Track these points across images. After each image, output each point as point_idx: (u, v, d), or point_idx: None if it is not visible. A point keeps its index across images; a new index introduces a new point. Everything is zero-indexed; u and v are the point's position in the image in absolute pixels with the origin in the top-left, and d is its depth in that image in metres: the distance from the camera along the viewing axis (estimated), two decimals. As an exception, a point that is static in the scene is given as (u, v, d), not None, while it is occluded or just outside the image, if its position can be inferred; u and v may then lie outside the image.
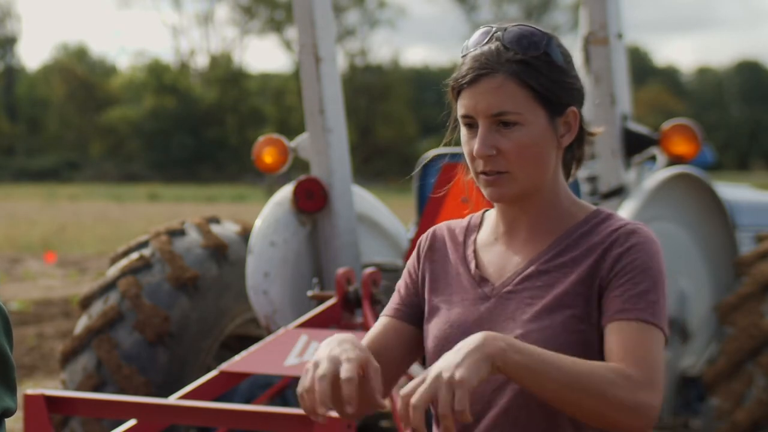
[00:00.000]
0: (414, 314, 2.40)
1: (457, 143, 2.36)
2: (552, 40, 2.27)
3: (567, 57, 2.29)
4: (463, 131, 2.29)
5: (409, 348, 2.39)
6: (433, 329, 2.35)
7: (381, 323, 2.41)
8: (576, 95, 2.29)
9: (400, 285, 2.46)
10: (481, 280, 2.32)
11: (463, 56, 2.29)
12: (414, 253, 2.45)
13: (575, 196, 2.36)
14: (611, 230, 2.25)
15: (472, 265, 2.34)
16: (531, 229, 2.31)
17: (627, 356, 2.14)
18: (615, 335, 2.17)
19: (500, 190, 2.26)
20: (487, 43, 2.27)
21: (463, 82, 2.25)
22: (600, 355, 2.20)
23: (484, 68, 2.24)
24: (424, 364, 2.39)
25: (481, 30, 2.31)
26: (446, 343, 2.29)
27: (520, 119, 2.23)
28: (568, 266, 2.24)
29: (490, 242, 2.36)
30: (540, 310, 2.23)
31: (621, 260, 2.21)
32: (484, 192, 2.28)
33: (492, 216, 2.39)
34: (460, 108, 2.27)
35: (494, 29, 2.29)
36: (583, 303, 2.21)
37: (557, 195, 2.31)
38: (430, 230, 2.45)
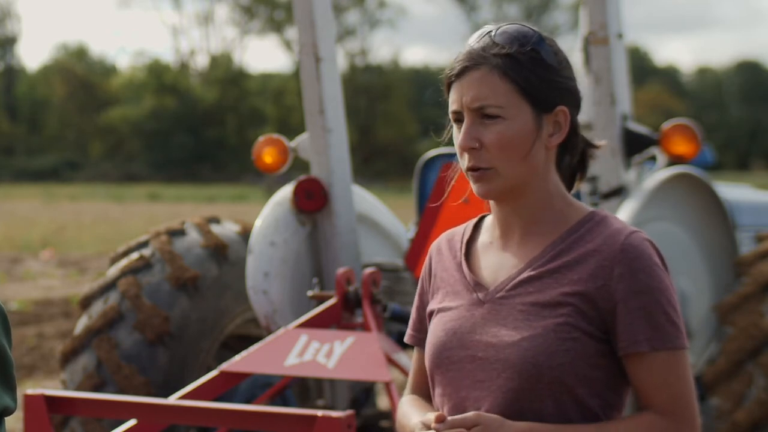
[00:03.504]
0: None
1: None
2: (544, 40, 2.27)
3: (560, 57, 2.29)
4: (454, 129, 2.31)
5: None
6: (430, 336, 2.36)
7: (416, 358, 2.49)
8: (567, 95, 2.28)
9: (415, 306, 2.49)
10: (476, 285, 2.32)
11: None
12: (422, 270, 2.48)
13: (572, 197, 2.35)
14: (606, 240, 2.23)
15: (467, 271, 2.35)
16: (524, 231, 2.30)
17: (657, 399, 2.19)
18: (641, 369, 2.20)
19: (486, 186, 2.27)
20: (481, 39, 2.29)
21: (452, 74, 2.29)
22: (597, 369, 2.21)
23: (470, 61, 2.26)
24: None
25: (481, 29, 2.33)
26: (443, 349, 2.30)
27: (502, 112, 2.24)
28: (561, 272, 2.23)
29: (487, 246, 2.36)
30: (530, 318, 2.22)
31: (622, 282, 2.19)
32: (473, 188, 2.29)
33: (489, 219, 2.40)
34: (450, 104, 2.30)
35: (491, 28, 2.31)
36: (575, 312, 2.20)
37: (549, 197, 2.30)
38: (433, 244, 2.47)
